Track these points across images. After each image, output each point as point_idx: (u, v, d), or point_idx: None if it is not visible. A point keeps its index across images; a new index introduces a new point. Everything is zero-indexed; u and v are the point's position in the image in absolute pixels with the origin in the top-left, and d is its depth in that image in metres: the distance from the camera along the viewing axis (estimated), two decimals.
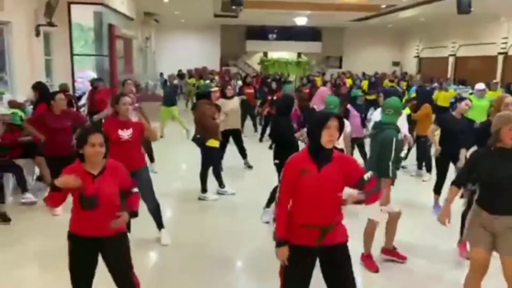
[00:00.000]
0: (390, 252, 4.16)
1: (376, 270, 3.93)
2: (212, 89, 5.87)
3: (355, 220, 3.64)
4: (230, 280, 3.89)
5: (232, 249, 4.47)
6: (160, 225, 4.45)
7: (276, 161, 4.86)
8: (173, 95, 10.43)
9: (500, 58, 16.76)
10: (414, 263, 4.13)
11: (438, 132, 5.49)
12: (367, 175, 2.54)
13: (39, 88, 6.63)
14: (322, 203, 2.48)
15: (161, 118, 10.03)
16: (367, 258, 4.02)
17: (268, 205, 4.99)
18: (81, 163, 2.67)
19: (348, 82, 15.92)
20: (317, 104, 6.79)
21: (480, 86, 7.64)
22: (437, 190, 5.52)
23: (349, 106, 7.16)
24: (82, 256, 2.72)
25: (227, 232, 4.89)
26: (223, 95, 6.98)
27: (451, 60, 20.29)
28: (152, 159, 7.03)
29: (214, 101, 5.91)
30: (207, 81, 12.18)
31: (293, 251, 2.53)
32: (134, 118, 4.11)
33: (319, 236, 2.49)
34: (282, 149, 4.86)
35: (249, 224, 5.06)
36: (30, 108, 6.85)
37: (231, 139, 7.21)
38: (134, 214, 2.81)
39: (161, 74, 20.05)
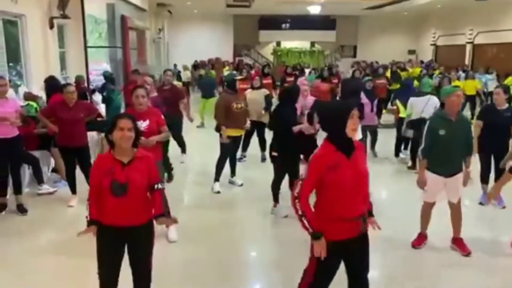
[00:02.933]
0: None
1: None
2: (237, 77, 5.86)
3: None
4: (238, 274, 3.89)
5: (237, 243, 4.46)
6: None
7: (274, 154, 4.87)
8: (211, 87, 10.73)
9: None
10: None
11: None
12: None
13: (46, 81, 6.68)
14: (359, 191, 2.51)
15: (200, 109, 10.53)
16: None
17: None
18: (111, 151, 2.69)
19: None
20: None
21: None
22: (485, 179, 5.32)
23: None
24: (109, 245, 2.73)
25: (232, 225, 4.90)
26: (251, 86, 7.33)
27: (468, 47, 19.84)
28: (183, 150, 7.30)
29: (238, 89, 5.90)
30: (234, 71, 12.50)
31: (329, 247, 2.49)
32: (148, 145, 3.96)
33: (358, 227, 2.52)
34: (278, 139, 4.84)
35: (252, 218, 5.05)
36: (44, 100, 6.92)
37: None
38: (161, 216, 2.80)
39: (175, 65, 20.09)
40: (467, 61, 19.58)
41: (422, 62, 20.25)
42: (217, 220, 4.98)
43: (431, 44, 23.58)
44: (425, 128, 4.01)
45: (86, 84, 8.97)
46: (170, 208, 4.40)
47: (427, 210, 4.15)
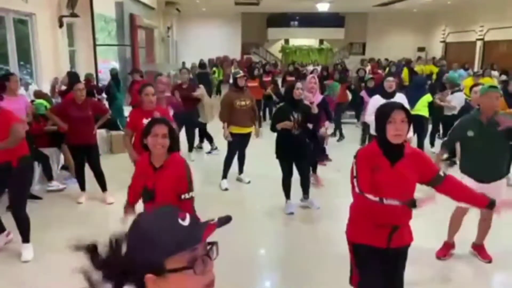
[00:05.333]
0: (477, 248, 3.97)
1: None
2: (238, 75, 5.87)
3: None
4: (246, 270, 3.91)
5: (244, 240, 4.47)
6: None
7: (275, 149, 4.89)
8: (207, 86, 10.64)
9: None
10: None
11: None
12: (442, 171, 2.43)
13: (68, 76, 6.77)
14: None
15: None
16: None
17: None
18: (148, 154, 2.66)
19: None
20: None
21: None
22: None
23: (362, 92, 7.08)
24: None
25: (240, 222, 4.91)
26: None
27: (478, 44, 19.62)
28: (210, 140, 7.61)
29: (241, 85, 5.87)
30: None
31: (366, 250, 2.42)
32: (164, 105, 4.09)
33: (389, 235, 2.37)
34: (276, 139, 4.85)
35: (260, 215, 5.07)
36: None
37: None
38: None
39: (183, 64, 20.15)
40: (477, 58, 19.38)
41: (434, 58, 20.06)
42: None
43: (441, 41, 23.36)
44: (456, 124, 3.83)
45: (95, 82, 9.05)
46: None
47: (458, 216, 3.83)
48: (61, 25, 8.40)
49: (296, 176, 5.04)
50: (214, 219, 1.08)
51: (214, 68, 17.57)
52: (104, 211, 5.06)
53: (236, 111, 5.69)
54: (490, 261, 3.83)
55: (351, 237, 2.50)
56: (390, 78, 5.46)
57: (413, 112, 6.98)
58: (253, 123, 5.93)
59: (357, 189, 2.36)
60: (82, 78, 8.14)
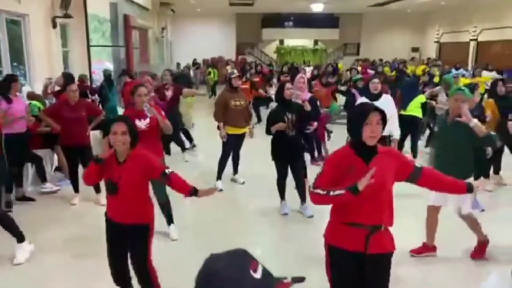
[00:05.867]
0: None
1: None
2: (233, 76, 5.87)
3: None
4: None
5: (239, 241, 4.48)
6: (169, 221, 4.42)
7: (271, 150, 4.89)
8: (190, 85, 10.54)
9: None
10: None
11: None
12: (419, 163, 2.46)
13: (64, 77, 6.75)
14: (371, 200, 2.27)
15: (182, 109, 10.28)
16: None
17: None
18: (114, 150, 2.78)
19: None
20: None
21: None
22: None
23: (354, 91, 7.10)
24: (112, 237, 2.90)
25: (234, 223, 4.91)
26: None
27: (472, 45, 19.75)
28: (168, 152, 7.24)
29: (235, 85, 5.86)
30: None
31: (340, 255, 2.36)
32: (149, 114, 4.08)
33: (366, 238, 2.30)
34: (272, 140, 4.86)
35: (254, 215, 5.07)
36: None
37: None
38: (193, 191, 2.88)
39: (178, 64, 20.14)
40: (470, 58, 19.50)
41: (429, 59, 20.16)
42: (219, 218, 5.00)
43: (435, 42, 23.48)
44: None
45: (89, 83, 9.01)
46: (172, 206, 4.45)
47: (433, 215, 3.89)
48: (54, 26, 8.35)
49: (291, 177, 5.03)
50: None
51: (210, 69, 17.54)
52: (98, 212, 4.98)
53: (230, 111, 5.69)
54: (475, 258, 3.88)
55: (327, 238, 2.47)
56: (375, 80, 5.42)
57: (406, 113, 7.03)
58: (248, 123, 5.93)
59: (310, 185, 2.38)
60: (76, 79, 8.11)
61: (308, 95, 5.66)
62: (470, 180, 3.53)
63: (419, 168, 2.42)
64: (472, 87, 5.45)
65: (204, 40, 23.49)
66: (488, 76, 12.01)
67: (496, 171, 5.92)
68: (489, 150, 5.43)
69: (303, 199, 4.95)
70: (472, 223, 3.88)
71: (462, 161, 3.67)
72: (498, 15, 17.36)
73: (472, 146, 3.72)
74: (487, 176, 5.81)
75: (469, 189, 2.49)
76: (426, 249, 3.97)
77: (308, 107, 4.77)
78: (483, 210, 5.04)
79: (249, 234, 4.60)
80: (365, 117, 2.26)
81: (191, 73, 17.66)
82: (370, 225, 2.31)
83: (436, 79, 10.58)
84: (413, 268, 3.82)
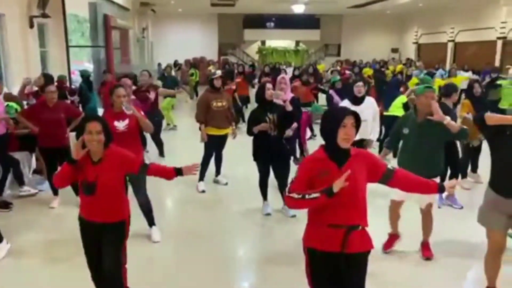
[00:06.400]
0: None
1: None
2: (215, 76, 5.85)
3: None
4: (224, 273, 3.90)
5: (221, 242, 4.47)
6: (150, 223, 4.36)
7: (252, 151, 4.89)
8: (172, 87, 10.42)
9: (499, 43, 16.64)
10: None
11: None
12: (391, 165, 2.48)
13: (44, 78, 6.61)
14: (345, 202, 2.31)
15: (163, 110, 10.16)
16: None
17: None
18: (88, 150, 2.74)
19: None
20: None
21: None
22: None
23: (331, 91, 7.16)
24: (87, 238, 2.87)
25: (217, 225, 4.90)
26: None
27: (450, 45, 20.16)
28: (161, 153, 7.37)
29: (218, 86, 5.83)
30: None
31: (319, 256, 2.40)
32: (128, 111, 4.05)
33: (344, 238, 2.34)
34: (253, 140, 4.86)
35: (237, 216, 5.06)
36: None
37: None
38: (178, 172, 2.94)
39: (159, 65, 19.97)
40: (448, 59, 19.90)
41: (408, 59, 20.49)
42: (201, 219, 4.97)
43: (414, 43, 23.88)
44: (396, 122, 4.01)
45: (68, 84, 8.86)
46: (153, 208, 4.41)
47: (394, 208, 4.01)
48: (31, 26, 8.19)
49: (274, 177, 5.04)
50: None
51: (192, 70, 17.43)
52: (78, 215, 4.96)
53: (212, 112, 5.67)
54: (428, 258, 3.93)
55: (305, 241, 2.49)
56: (360, 83, 5.43)
57: (388, 113, 7.14)
58: (230, 124, 5.92)
59: (286, 190, 2.41)
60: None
61: (290, 95, 5.67)
62: (437, 179, 3.61)
63: (391, 170, 2.46)
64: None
65: (186, 41, 23.39)
66: (462, 76, 12.27)
67: (474, 170, 6.05)
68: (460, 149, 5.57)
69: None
70: (427, 217, 3.95)
71: (432, 159, 3.74)
72: (474, 17, 17.77)
73: (442, 145, 3.79)
74: (465, 175, 5.95)
75: (440, 189, 2.54)
76: (393, 238, 4.07)
77: (289, 107, 4.77)
78: (461, 207, 5.17)
79: (231, 235, 4.59)
80: (341, 120, 2.30)
81: (172, 73, 17.54)
82: (347, 226, 2.35)
83: (415, 80, 10.74)
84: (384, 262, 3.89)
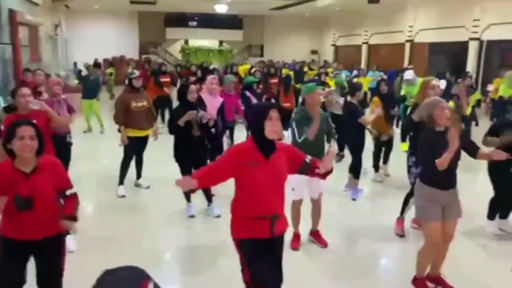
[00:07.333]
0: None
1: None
2: (133, 76, 5.61)
3: None
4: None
5: (144, 248, 4.33)
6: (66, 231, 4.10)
7: (174, 152, 4.80)
8: (95, 87, 9.90)
9: (407, 45, 17.97)
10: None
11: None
12: (308, 158, 2.62)
13: None
14: (272, 193, 2.49)
15: (83, 113, 9.64)
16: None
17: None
18: (11, 160, 2.41)
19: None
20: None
21: (409, 74, 8.02)
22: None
23: (248, 93, 7.20)
24: (12, 261, 2.48)
25: (140, 230, 4.74)
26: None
27: (364, 48, 21.37)
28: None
29: (137, 86, 5.61)
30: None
31: (250, 244, 2.53)
32: (35, 107, 3.72)
33: (271, 225, 2.51)
34: (174, 141, 4.79)
35: (160, 220, 4.94)
36: None
37: None
38: (71, 218, 2.55)
39: (75, 64, 18.87)
40: (363, 60, 21.09)
41: (325, 61, 21.34)
42: (122, 225, 4.75)
43: (332, 45, 24.99)
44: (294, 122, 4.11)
45: None
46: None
47: (296, 208, 4.13)
48: None
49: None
50: None
51: (111, 69, 16.69)
52: None
53: (132, 113, 5.44)
54: (325, 246, 4.17)
55: (235, 234, 2.59)
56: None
57: None
58: (151, 125, 5.72)
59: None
60: None
61: (219, 100, 5.54)
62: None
63: (308, 163, 2.63)
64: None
65: (104, 39, 22.36)
66: (370, 77, 13.16)
67: (385, 162, 6.49)
68: None
69: (209, 200, 4.93)
70: (318, 206, 4.18)
71: (320, 153, 3.94)
72: (386, 21, 19.02)
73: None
74: (377, 168, 6.35)
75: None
76: (298, 238, 4.19)
77: (211, 122, 4.72)
78: (354, 199, 5.55)
79: (155, 240, 4.44)
80: (267, 113, 2.44)
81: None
82: (271, 216, 2.52)
83: (331, 83, 11.22)
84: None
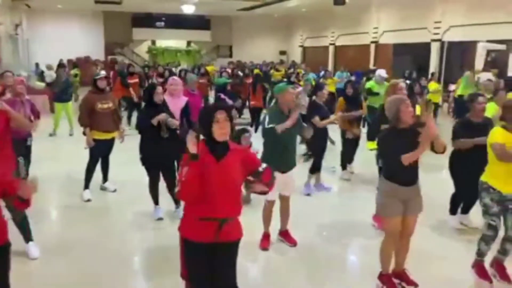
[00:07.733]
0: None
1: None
2: (98, 77, 5.48)
3: None
4: (121, 280, 3.69)
5: (111, 254, 4.24)
6: (28, 238, 3.95)
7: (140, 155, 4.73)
8: (69, 89, 9.64)
9: (372, 47, 18.37)
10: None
11: None
12: (262, 167, 2.60)
13: None
14: (222, 195, 2.45)
15: (55, 116, 9.42)
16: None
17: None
18: None
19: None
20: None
21: (383, 73, 7.82)
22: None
23: (222, 95, 7.22)
24: None
25: (106, 235, 4.64)
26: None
27: (331, 49, 21.69)
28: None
29: (102, 87, 5.48)
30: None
31: (193, 247, 2.52)
32: None
33: (217, 229, 2.47)
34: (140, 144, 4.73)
35: (127, 224, 4.86)
36: None
37: None
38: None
39: (37, 65, 18.27)
40: (330, 61, 21.40)
41: (293, 61, 21.54)
42: (87, 230, 4.63)
43: (299, 46, 25.23)
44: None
45: None
46: (31, 222, 3.98)
47: (268, 209, 4.14)
48: None
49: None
50: None
51: (76, 70, 16.21)
52: None
53: (97, 114, 5.31)
54: (295, 245, 4.22)
55: (182, 231, 2.61)
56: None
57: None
58: (117, 127, 5.60)
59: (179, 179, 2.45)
60: None
61: (183, 100, 5.45)
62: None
63: (262, 169, 2.58)
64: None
65: (68, 39, 21.71)
66: (337, 78, 13.38)
67: (349, 161, 6.63)
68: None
69: (176, 202, 4.87)
70: (285, 208, 4.22)
71: (294, 151, 4.13)
72: (352, 22, 19.36)
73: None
74: (344, 166, 6.48)
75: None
76: (267, 238, 4.20)
77: (176, 124, 4.65)
78: (308, 194, 5.70)
79: (121, 244, 4.33)
80: (213, 116, 2.43)
81: (53, 74, 16.17)
82: (221, 218, 2.48)
83: (301, 83, 11.38)
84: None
